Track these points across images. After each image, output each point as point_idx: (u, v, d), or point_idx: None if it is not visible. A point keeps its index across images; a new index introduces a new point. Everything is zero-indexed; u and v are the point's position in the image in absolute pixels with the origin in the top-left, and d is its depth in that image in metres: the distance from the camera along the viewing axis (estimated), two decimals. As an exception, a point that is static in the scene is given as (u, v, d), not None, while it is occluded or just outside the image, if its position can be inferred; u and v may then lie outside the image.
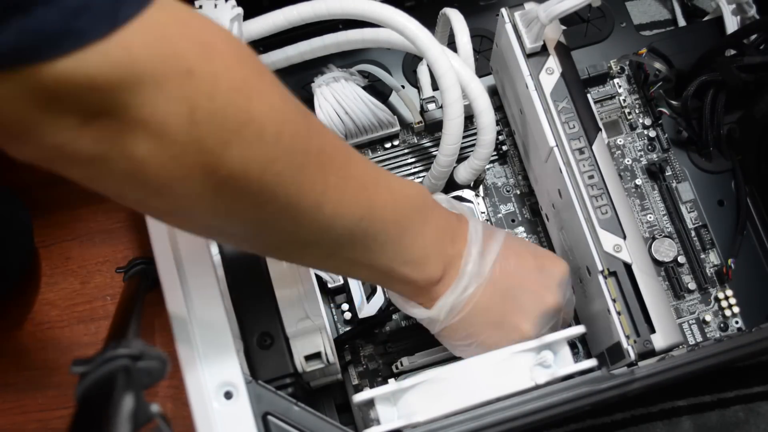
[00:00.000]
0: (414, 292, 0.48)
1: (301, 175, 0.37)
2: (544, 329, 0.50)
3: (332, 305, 0.63)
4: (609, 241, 0.52)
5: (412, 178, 0.66)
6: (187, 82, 0.31)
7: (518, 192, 0.66)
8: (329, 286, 0.62)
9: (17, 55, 0.27)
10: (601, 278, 0.52)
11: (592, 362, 0.49)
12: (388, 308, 0.61)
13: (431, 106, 0.66)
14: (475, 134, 0.59)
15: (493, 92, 0.67)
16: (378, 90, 0.68)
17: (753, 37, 0.62)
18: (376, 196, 0.42)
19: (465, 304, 0.48)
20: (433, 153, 0.66)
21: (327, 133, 0.40)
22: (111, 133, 0.31)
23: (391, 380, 0.48)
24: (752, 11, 0.64)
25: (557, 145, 0.55)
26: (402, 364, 0.59)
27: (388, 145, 0.67)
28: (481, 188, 0.66)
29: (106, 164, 0.32)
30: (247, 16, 0.58)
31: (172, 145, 0.32)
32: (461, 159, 0.62)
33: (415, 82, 0.69)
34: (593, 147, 0.54)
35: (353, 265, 0.44)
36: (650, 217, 0.64)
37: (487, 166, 0.67)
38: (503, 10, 0.57)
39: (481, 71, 0.64)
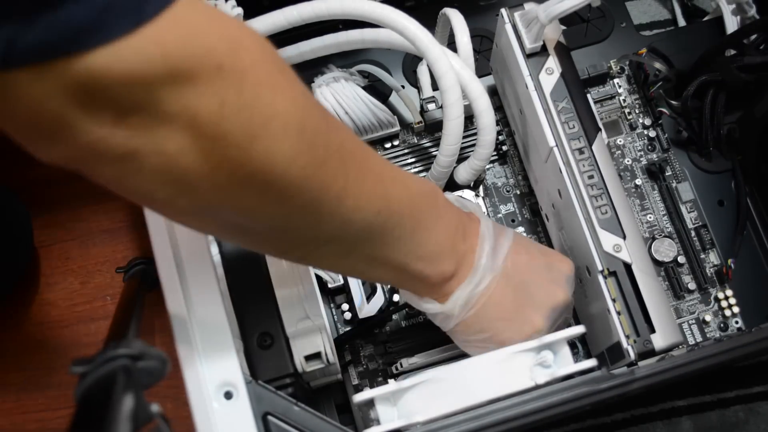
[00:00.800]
0: (427, 289, 0.49)
1: (324, 168, 0.37)
2: (555, 324, 0.51)
3: (332, 305, 0.63)
4: (609, 241, 0.52)
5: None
6: (217, 77, 0.31)
7: (518, 192, 0.66)
8: (329, 286, 0.62)
9: (50, 48, 0.27)
10: (601, 278, 0.52)
11: (592, 362, 0.49)
12: (388, 308, 0.61)
13: (431, 106, 0.66)
14: (475, 134, 0.59)
15: (493, 92, 0.67)
16: (378, 90, 0.68)
17: (753, 37, 0.62)
18: (392, 190, 0.43)
19: (479, 297, 0.48)
20: (433, 153, 0.66)
21: (345, 129, 0.41)
22: (144, 129, 0.31)
23: (391, 380, 0.48)
24: (752, 11, 0.64)
25: (557, 145, 0.55)
26: (401, 365, 0.59)
27: (388, 145, 0.67)
28: (481, 188, 0.66)
29: (138, 161, 0.32)
30: (247, 16, 0.58)
31: (202, 139, 0.32)
32: (461, 159, 0.62)
33: (415, 82, 0.69)
34: (593, 147, 0.54)
35: (370, 262, 0.45)
36: (650, 217, 0.64)
37: (487, 166, 0.67)
38: (503, 10, 0.57)
39: (481, 71, 0.64)
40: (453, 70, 0.55)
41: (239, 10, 0.54)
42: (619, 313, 0.51)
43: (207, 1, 0.54)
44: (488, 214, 0.65)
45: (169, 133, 0.32)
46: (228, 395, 0.44)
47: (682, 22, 0.70)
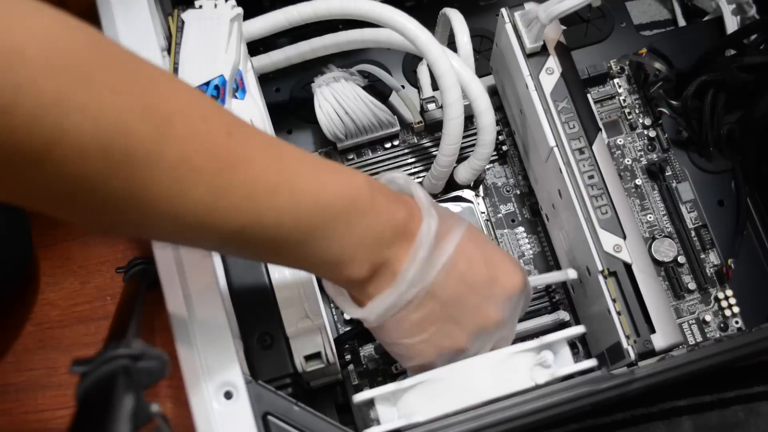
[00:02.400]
0: (340, 285, 0.46)
1: (149, 191, 0.34)
2: (484, 344, 0.48)
3: (332, 305, 0.63)
4: (609, 241, 0.52)
5: (412, 178, 0.66)
6: None
7: (518, 192, 0.66)
8: (329, 286, 0.62)
9: None
10: (601, 278, 0.52)
11: (592, 362, 0.49)
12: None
13: (431, 106, 0.66)
14: (475, 134, 0.59)
15: (493, 92, 0.67)
16: (378, 90, 0.68)
17: (753, 37, 0.62)
18: (266, 205, 0.37)
19: (400, 309, 0.44)
20: (433, 153, 0.66)
21: (199, 137, 0.35)
22: None
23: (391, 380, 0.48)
24: (752, 11, 0.64)
25: (557, 145, 0.55)
26: (401, 366, 0.59)
27: (388, 145, 0.67)
28: (481, 188, 0.66)
29: None
30: (247, 16, 0.58)
31: None
32: (461, 159, 0.62)
33: (415, 82, 0.69)
34: (593, 147, 0.54)
35: (252, 257, 0.42)
36: (650, 217, 0.64)
37: (487, 166, 0.67)
38: (503, 10, 0.57)
39: (481, 71, 0.65)
40: (453, 69, 0.55)
41: (239, 10, 0.54)
42: (619, 313, 0.51)
43: (207, 1, 0.54)
44: (488, 214, 0.65)
45: None
46: (228, 395, 0.44)
47: (682, 22, 0.70)
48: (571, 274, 0.56)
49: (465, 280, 0.45)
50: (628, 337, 0.51)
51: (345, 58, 0.68)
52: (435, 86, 0.66)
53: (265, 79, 0.68)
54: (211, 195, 0.35)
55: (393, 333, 0.46)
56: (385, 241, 0.42)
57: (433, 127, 0.67)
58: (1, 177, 0.31)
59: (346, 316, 0.62)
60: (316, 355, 0.52)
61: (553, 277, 0.57)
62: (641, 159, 0.66)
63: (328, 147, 0.67)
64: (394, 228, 0.43)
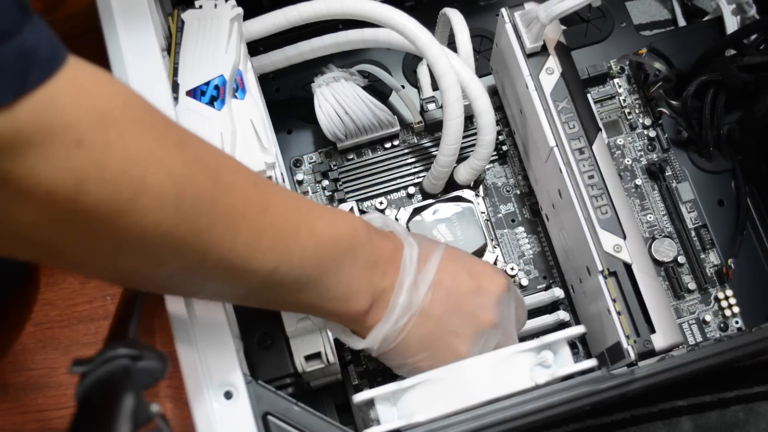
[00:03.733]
0: (344, 322, 0.48)
1: (207, 235, 0.36)
2: (485, 347, 0.50)
3: (332, 305, 0.63)
4: (609, 241, 0.52)
5: (412, 178, 0.66)
6: (75, 153, 0.30)
7: (518, 192, 0.66)
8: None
9: None
10: (601, 278, 0.52)
11: (592, 362, 0.49)
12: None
13: (431, 106, 0.66)
14: (475, 134, 0.59)
15: (493, 92, 0.67)
16: (378, 90, 0.68)
17: (753, 37, 0.62)
18: (294, 243, 0.41)
19: (398, 334, 0.47)
20: (433, 153, 0.66)
21: (240, 185, 0.39)
22: None
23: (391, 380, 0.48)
24: (752, 11, 0.64)
25: (557, 145, 0.55)
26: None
27: (388, 145, 0.67)
28: (481, 188, 0.66)
29: None
30: (247, 16, 0.58)
31: (60, 212, 0.31)
32: (461, 159, 0.62)
33: (415, 82, 0.69)
34: (593, 147, 0.54)
35: (274, 304, 0.45)
36: (650, 217, 0.64)
37: (487, 166, 0.67)
38: (503, 10, 0.57)
39: (481, 71, 0.65)
40: (453, 69, 0.55)
41: (239, 10, 0.54)
42: (619, 313, 0.51)
43: (207, 1, 0.54)
44: (488, 214, 0.65)
45: (23, 206, 0.30)
46: (228, 395, 0.44)
47: (682, 22, 0.70)
48: (557, 292, 0.61)
49: (453, 294, 0.48)
50: (628, 337, 0.51)
51: (345, 58, 0.68)
52: (435, 86, 0.66)
53: (265, 79, 0.67)
54: (252, 237, 0.38)
55: (398, 357, 0.49)
56: (380, 271, 0.46)
57: (433, 127, 0.67)
58: (81, 231, 0.32)
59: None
60: (316, 355, 0.52)
61: (541, 297, 0.61)
62: (641, 159, 0.66)
63: (328, 147, 0.67)
64: (386, 259, 0.47)
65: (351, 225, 0.45)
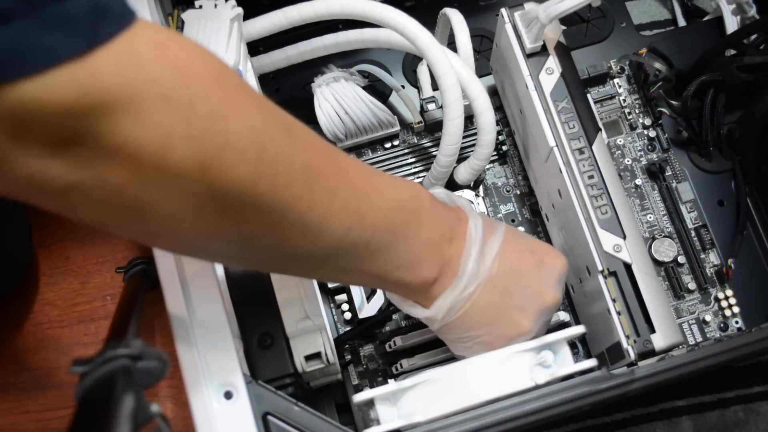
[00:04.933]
0: (410, 293, 0.48)
1: (286, 193, 0.36)
2: (543, 326, 0.51)
3: (332, 305, 0.63)
4: (609, 241, 0.52)
5: (412, 178, 0.66)
6: (162, 108, 0.30)
7: (518, 192, 0.66)
8: (329, 286, 0.62)
9: None
10: (601, 278, 0.52)
11: (592, 362, 0.49)
12: (388, 308, 0.61)
13: (431, 106, 0.66)
14: (475, 134, 0.59)
15: (493, 92, 0.67)
16: (378, 90, 0.68)
17: (753, 37, 0.62)
18: (365, 205, 0.41)
19: (464, 303, 0.48)
20: (433, 153, 0.66)
21: (313, 145, 0.39)
22: (84, 162, 0.30)
23: (391, 380, 0.48)
24: (752, 11, 0.64)
25: (557, 145, 0.55)
26: (401, 366, 0.59)
27: (388, 145, 0.67)
28: (481, 188, 0.66)
29: (81, 193, 0.31)
30: (247, 16, 0.58)
31: (148, 170, 0.31)
32: (461, 159, 0.62)
33: (415, 82, 0.69)
34: (593, 147, 0.54)
35: (344, 273, 0.44)
36: (650, 217, 0.64)
37: (487, 166, 0.67)
38: (503, 10, 0.57)
39: (481, 71, 0.65)
40: (453, 69, 0.55)
41: (239, 10, 0.54)
42: (619, 313, 0.51)
43: (207, 1, 0.54)
44: (488, 214, 0.65)
45: (111, 166, 0.30)
46: (228, 395, 0.44)
47: (682, 22, 0.70)
48: (562, 315, 0.61)
49: (517, 268, 0.49)
50: (628, 337, 0.51)
51: (345, 58, 0.68)
52: (435, 86, 0.66)
53: (265, 79, 0.68)
54: (328, 196, 0.39)
55: (459, 329, 0.49)
56: (446, 238, 0.46)
57: (433, 127, 0.67)
58: (166, 189, 0.32)
59: (347, 316, 0.62)
60: (316, 355, 0.52)
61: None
62: (641, 159, 0.66)
63: (328, 147, 0.67)
64: (451, 227, 0.47)
65: (416, 191, 0.46)
